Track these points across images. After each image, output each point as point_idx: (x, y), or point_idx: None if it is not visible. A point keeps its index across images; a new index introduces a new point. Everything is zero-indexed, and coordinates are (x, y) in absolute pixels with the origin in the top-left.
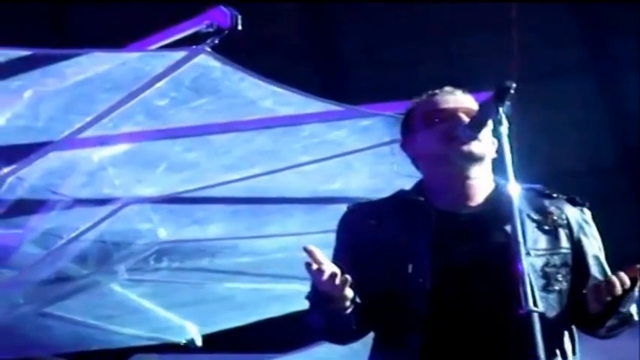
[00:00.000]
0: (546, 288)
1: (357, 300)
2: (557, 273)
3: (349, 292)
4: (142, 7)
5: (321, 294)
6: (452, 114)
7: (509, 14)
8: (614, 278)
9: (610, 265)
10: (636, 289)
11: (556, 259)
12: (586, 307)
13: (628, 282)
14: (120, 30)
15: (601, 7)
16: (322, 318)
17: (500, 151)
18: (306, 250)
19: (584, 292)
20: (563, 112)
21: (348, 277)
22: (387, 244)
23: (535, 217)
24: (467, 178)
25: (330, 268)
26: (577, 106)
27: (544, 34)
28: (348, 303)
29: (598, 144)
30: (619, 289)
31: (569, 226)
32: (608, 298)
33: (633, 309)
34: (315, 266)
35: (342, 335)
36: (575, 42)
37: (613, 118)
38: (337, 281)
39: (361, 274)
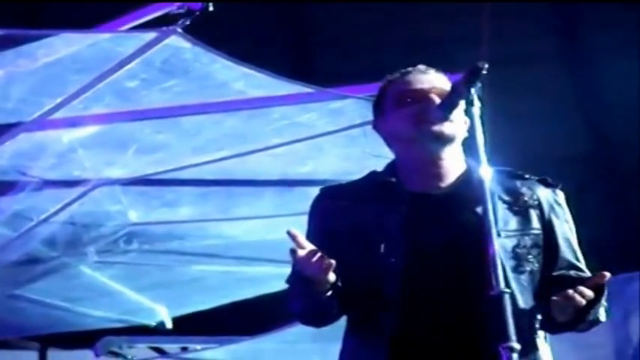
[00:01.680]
0: (517, 269)
1: (339, 283)
2: (528, 254)
3: (332, 276)
4: (114, 4)
5: (304, 278)
6: (424, 95)
7: (481, 1)
8: (575, 295)
9: (583, 253)
10: (603, 298)
11: (527, 240)
12: (552, 314)
13: (591, 294)
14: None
15: None
16: (303, 302)
17: (471, 132)
18: (289, 234)
19: (553, 298)
20: (535, 100)
21: (332, 261)
22: (359, 225)
23: (506, 198)
24: (438, 158)
25: (314, 252)
26: (549, 94)
27: (517, 22)
28: (329, 286)
29: (570, 132)
30: (582, 302)
31: (540, 207)
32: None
33: (601, 312)
34: (300, 252)
35: (321, 319)
36: (547, 31)
37: (585, 107)
38: (322, 265)
39: (334, 257)
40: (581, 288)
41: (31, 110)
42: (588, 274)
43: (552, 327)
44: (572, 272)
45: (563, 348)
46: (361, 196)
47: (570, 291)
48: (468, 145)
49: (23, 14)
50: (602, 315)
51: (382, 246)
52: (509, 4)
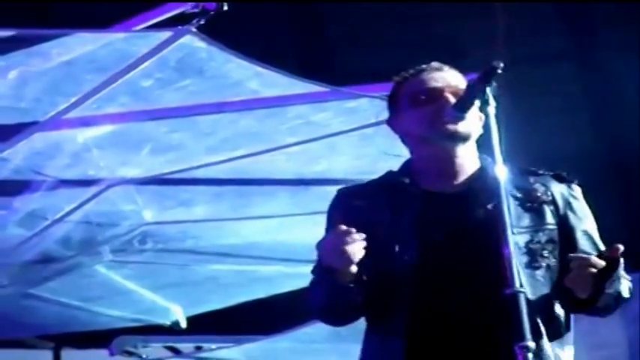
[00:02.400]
0: (531, 265)
1: (364, 277)
2: (543, 249)
3: (354, 268)
4: (124, 2)
5: (327, 267)
6: (438, 94)
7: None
8: (586, 262)
9: None
10: (620, 270)
11: (541, 236)
12: (573, 292)
13: (602, 263)
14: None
15: None
16: (325, 294)
17: (486, 130)
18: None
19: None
20: (546, 98)
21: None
22: (375, 225)
23: (518, 195)
24: (452, 157)
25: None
26: (561, 92)
27: (529, 20)
28: (351, 278)
29: (581, 130)
30: (592, 270)
31: (554, 202)
32: (592, 272)
33: (623, 287)
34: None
35: (342, 314)
36: (560, 30)
37: (596, 105)
38: (346, 255)
39: None
40: (592, 257)
41: (46, 110)
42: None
43: (576, 305)
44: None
45: (578, 348)
46: (377, 196)
47: (580, 259)
48: (483, 142)
49: (35, 13)
50: (624, 290)
51: (397, 246)
52: (521, 3)
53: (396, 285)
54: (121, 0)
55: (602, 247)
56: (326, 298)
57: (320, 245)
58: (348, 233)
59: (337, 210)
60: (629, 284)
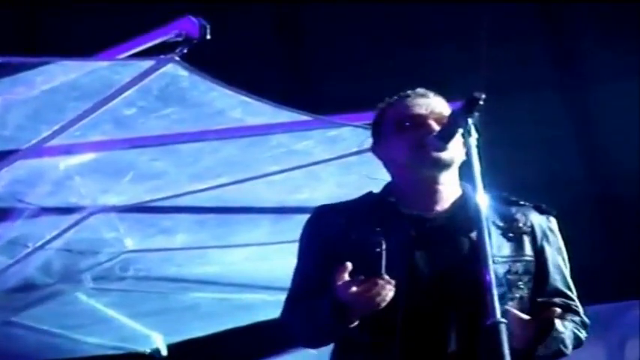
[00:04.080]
0: (506, 296)
1: None
2: (519, 280)
3: None
4: (110, 17)
5: (350, 309)
6: (423, 120)
7: (478, 28)
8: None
9: (573, 279)
10: (554, 332)
11: (518, 266)
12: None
13: (525, 320)
14: (88, 40)
15: (569, 24)
16: (319, 327)
17: (468, 161)
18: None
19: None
20: (530, 126)
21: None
22: (358, 244)
23: (500, 224)
24: (435, 183)
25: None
26: (545, 120)
27: (513, 49)
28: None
29: (566, 158)
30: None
31: (532, 233)
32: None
33: (563, 345)
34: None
35: (331, 342)
36: (542, 58)
37: (581, 133)
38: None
39: (331, 274)
40: (522, 316)
41: (28, 137)
42: (577, 302)
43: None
44: (558, 299)
45: None
46: (360, 215)
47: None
48: (465, 171)
49: (18, 27)
50: (566, 348)
51: (383, 265)
52: (506, 31)
53: (383, 309)
54: (104, 17)
55: (571, 283)
56: (320, 331)
57: (349, 291)
58: (390, 283)
59: (316, 228)
60: (573, 337)
